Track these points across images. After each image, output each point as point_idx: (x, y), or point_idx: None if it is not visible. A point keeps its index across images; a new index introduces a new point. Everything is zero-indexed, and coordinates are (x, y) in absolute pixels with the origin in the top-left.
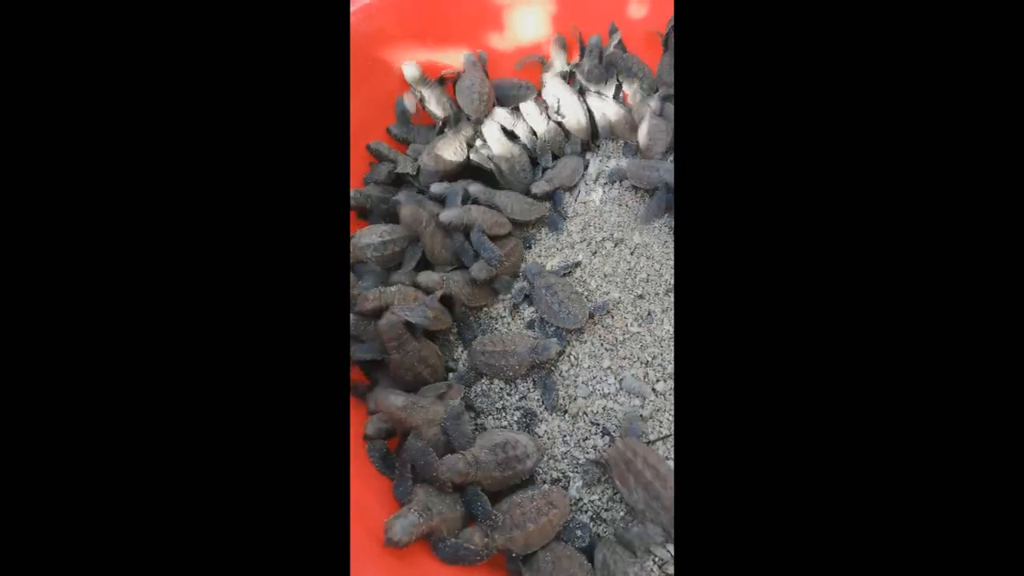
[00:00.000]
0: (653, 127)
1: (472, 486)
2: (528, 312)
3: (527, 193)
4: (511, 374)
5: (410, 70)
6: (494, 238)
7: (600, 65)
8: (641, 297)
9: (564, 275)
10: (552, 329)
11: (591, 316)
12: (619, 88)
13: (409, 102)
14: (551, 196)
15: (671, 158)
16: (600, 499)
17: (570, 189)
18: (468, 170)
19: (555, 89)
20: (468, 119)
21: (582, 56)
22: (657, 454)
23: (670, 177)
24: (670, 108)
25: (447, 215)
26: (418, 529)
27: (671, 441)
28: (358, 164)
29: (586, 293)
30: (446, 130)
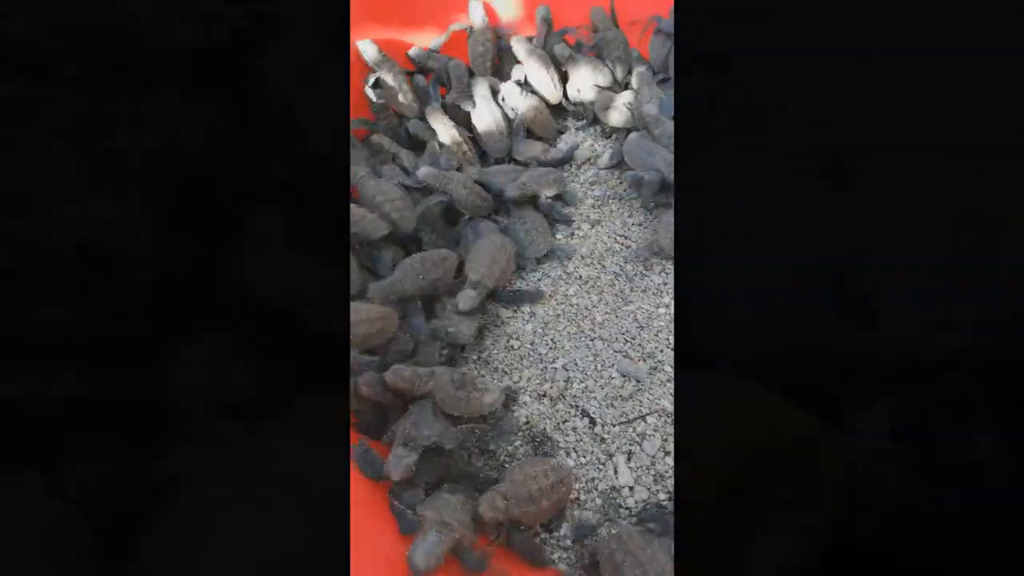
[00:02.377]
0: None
1: (426, 400)
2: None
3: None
4: None
5: (368, 50)
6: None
7: (543, 49)
8: (618, 276)
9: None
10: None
11: (551, 254)
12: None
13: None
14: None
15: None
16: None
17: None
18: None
19: (527, 62)
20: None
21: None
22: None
23: (668, 171)
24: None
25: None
26: (442, 548)
27: (651, 419)
28: None
29: (563, 274)
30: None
